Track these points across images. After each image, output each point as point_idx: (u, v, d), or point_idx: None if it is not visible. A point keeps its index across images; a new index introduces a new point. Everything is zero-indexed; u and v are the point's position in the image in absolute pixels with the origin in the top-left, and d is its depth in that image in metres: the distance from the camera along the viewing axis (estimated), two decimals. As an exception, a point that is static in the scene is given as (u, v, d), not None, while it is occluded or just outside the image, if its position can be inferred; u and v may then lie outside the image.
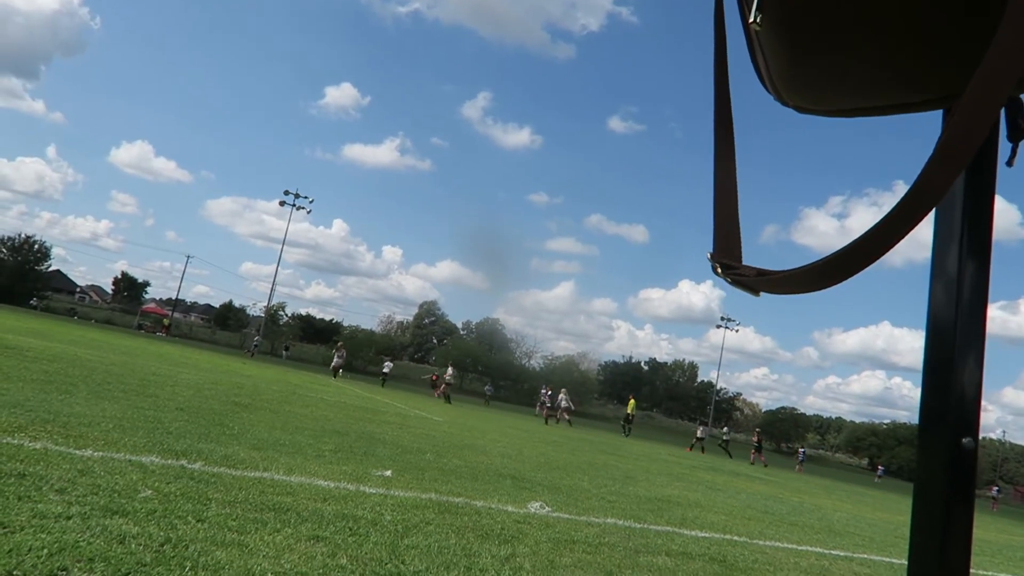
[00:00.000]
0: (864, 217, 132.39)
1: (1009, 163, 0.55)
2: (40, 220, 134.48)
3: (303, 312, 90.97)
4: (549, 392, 34.29)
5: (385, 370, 37.88)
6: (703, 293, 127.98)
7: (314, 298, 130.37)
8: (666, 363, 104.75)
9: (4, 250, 65.54)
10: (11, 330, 16.29)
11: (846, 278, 0.48)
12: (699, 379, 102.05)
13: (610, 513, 6.51)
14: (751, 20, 0.57)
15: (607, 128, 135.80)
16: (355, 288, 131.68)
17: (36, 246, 67.39)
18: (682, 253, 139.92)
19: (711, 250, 0.63)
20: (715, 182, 0.65)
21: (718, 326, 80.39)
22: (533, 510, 5.77)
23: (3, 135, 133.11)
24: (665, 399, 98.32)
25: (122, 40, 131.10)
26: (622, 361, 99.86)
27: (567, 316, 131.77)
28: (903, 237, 0.44)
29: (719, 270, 0.62)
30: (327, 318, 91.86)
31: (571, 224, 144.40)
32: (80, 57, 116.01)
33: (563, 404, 32.91)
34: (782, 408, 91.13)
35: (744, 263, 0.61)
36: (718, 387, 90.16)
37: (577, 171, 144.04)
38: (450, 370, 32.41)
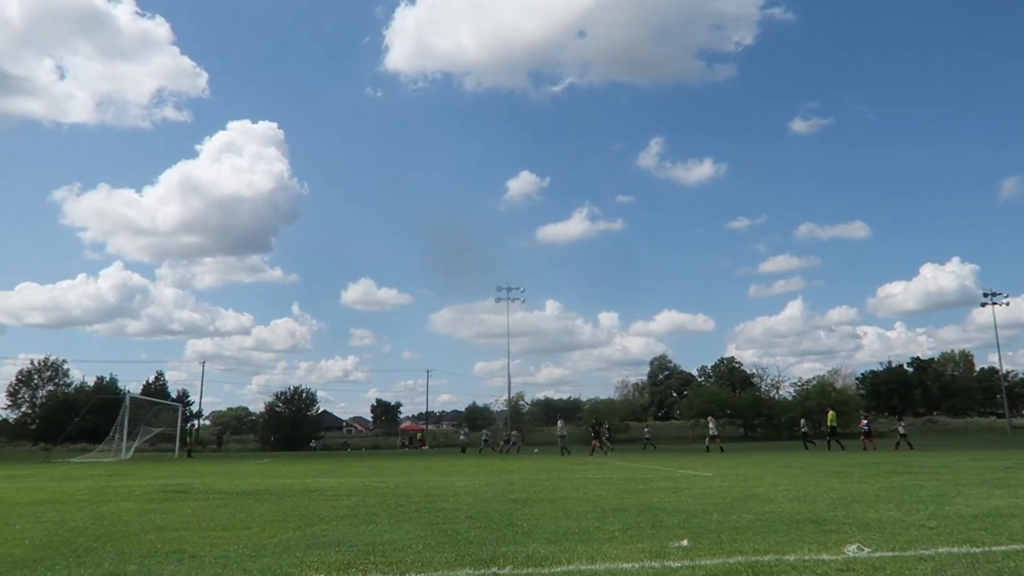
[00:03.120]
0: None
1: None
2: (299, 370, 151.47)
3: (541, 396, 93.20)
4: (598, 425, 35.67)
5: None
6: (951, 272, 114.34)
7: (546, 380, 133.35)
8: (932, 359, 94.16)
9: (280, 404, 74.15)
10: (307, 474, 18.23)
11: None
12: (978, 367, 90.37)
13: (938, 541, 5.85)
14: None
15: (791, 132, 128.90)
16: (582, 361, 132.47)
17: (304, 394, 75.55)
18: (914, 235, 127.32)
19: None
20: None
21: (982, 304, 71.22)
22: (852, 554, 5.33)
23: (258, 305, 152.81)
24: (944, 398, 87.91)
25: (326, 197, 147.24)
26: (881, 368, 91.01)
27: (804, 336, 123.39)
28: None
29: None
30: (564, 396, 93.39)
31: (780, 241, 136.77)
32: (299, 222, 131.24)
33: (561, 433, 34.91)
34: (1094, 376, 77.50)
35: None
36: (1004, 371, 79.19)
37: (771, 185, 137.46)
38: (560, 423, 35.36)
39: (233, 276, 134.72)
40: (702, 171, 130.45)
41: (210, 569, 5.18)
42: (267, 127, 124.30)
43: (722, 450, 33.02)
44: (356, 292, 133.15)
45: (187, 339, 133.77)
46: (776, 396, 77.20)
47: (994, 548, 5.49)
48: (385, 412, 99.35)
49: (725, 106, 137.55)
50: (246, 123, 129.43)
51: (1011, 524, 6.71)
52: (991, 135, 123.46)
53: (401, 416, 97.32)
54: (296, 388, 75.86)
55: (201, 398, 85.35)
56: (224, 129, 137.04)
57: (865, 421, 33.86)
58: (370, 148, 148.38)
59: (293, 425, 71.15)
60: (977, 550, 5.44)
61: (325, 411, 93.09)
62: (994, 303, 69.32)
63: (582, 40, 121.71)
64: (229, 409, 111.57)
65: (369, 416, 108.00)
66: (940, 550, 5.46)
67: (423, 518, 8.08)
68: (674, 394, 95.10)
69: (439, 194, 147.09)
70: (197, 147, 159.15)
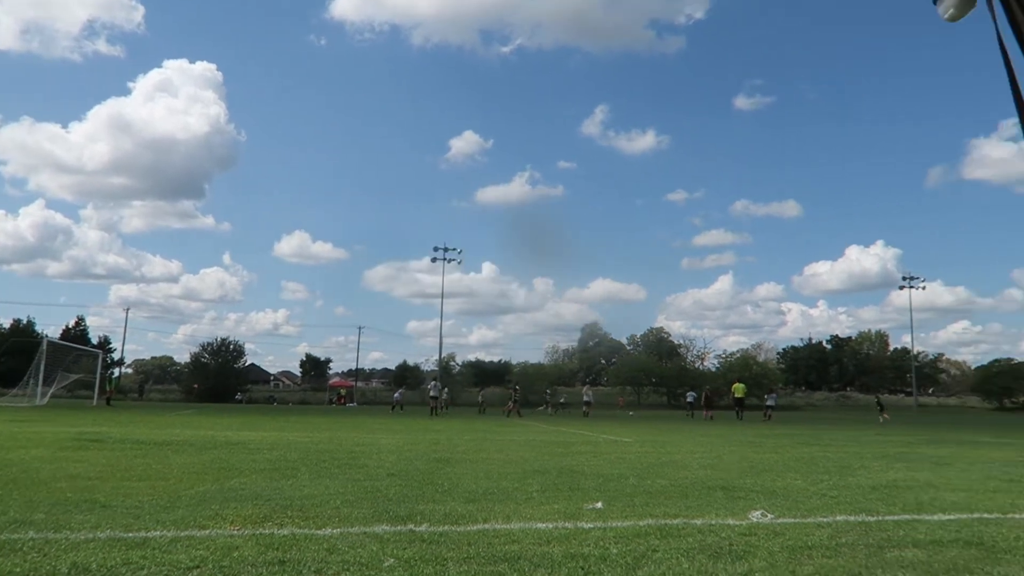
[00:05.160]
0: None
1: None
2: (228, 321, 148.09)
3: (472, 358, 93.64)
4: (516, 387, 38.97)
5: (562, 400, 41.69)
6: (875, 255, 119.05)
7: (479, 342, 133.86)
8: (850, 337, 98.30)
9: (207, 355, 72.48)
10: (230, 427, 17.95)
11: None
12: (892, 347, 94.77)
13: (837, 510, 6.18)
14: None
15: (734, 109, 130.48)
16: (515, 325, 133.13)
17: (231, 346, 73.98)
18: (842, 218, 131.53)
19: None
20: None
21: (901, 287, 74.88)
22: (755, 519, 5.58)
23: (188, 253, 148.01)
24: (857, 375, 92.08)
25: (263, 145, 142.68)
26: (802, 345, 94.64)
27: (731, 309, 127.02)
28: None
29: None
30: (495, 359, 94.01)
31: (716, 215, 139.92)
32: (234, 169, 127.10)
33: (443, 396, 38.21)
34: (995, 361, 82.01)
35: None
36: (915, 352, 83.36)
37: (711, 160, 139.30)
38: (433, 384, 37.70)
39: (162, 221, 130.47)
40: (645, 142, 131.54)
41: (121, 519, 5.08)
42: (205, 68, 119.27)
43: (587, 415, 35.26)
44: (290, 244, 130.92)
45: (111, 284, 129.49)
46: (701, 367, 79.49)
47: (887, 517, 5.83)
48: (314, 367, 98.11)
49: (672, 78, 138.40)
50: (183, 63, 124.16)
51: (905, 496, 7.12)
52: (921, 125, 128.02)
53: (331, 372, 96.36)
54: (224, 339, 74.31)
55: (123, 345, 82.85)
56: (159, 67, 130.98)
57: (691, 392, 41.56)
58: (311, 97, 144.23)
59: (219, 377, 69.81)
60: (871, 519, 5.76)
61: (253, 364, 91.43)
62: (911, 287, 72.98)
63: (535, 1, 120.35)
64: (153, 358, 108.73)
65: (298, 371, 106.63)
66: (838, 518, 5.77)
67: (344, 474, 8.08)
68: (603, 361, 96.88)
69: (380, 149, 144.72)
70: (130, 84, 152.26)
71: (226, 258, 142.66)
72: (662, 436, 17.74)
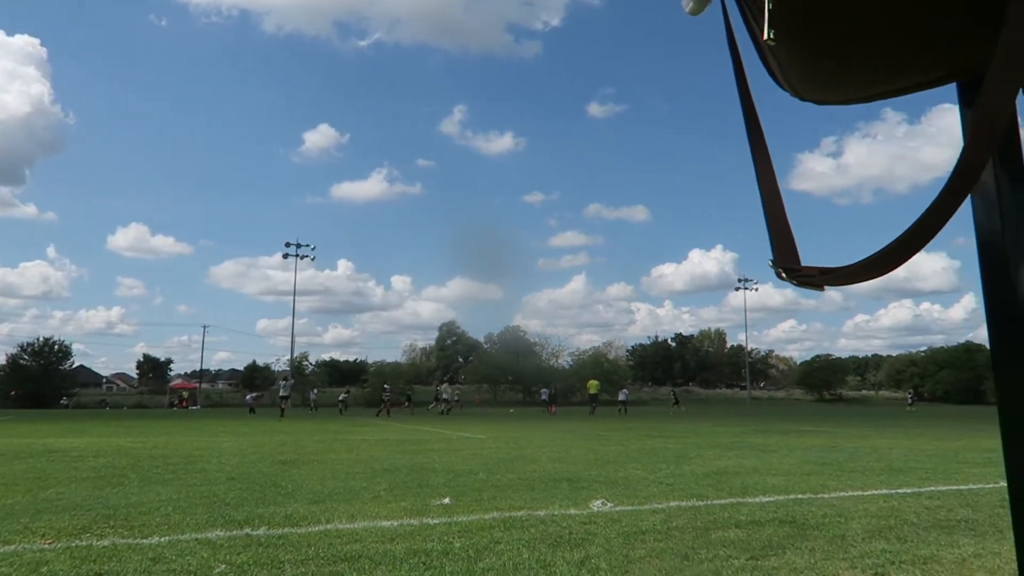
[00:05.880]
0: (859, 151, 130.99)
1: None
2: (53, 320, 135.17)
3: (327, 357, 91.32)
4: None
5: (456, 398, 40.74)
6: (715, 259, 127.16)
7: (334, 341, 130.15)
8: (692, 335, 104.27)
9: (26, 356, 65.98)
10: (51, 434, 16.46)
11: (900, 265, 0.51)
12: (729, 344, 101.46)
13: (671, 496, 6.51)
14: (765, 37, 0.59)
15: (587, 115, 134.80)
16: (372, 324, 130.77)
17: (56, 346, 67.82)
18: (686, 223, 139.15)
19: (771, 258, 0.66)
20: (760, 190, 0.68)
21: (736, 288, 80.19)
22: (596, 508, 5.78)
23: (4, 245, 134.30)
24: (698, 371, 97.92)
25: (98, 130, 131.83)
26: (649, 342, 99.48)
27: (585, 309, 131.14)
28: (949, 219, 0.46)
29: (783, 275, 0.65)
30: (351, 358, 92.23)
31: (571, 217, 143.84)
32: (62, 154, 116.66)
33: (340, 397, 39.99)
34: (816, 357, 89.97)
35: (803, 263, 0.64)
36: (748, 349, 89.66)
37: (566, 164, 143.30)
38: (282, 383, 36.42)
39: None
40: (502, 143, 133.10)
41: (-93, 538, 4.52)
42: (25, 42, 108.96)
43: (445, 413, 35.69)
44: (126, 237, 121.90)
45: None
46: (556, 364, 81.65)
47: (715, 501, 6.21)
48: (153, 369, 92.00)
49: (529, 82, 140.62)
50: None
51: (732, 481, 7.63)
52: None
53: (171, 373, 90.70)
54: (47, 339, 68.02)
55: (-76, 347, 73.72)
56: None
57: (544, 388, 45.85)
58: (151, 81, 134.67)
59: (41, 380, 63.81)
60: (701, 503, 6.12)
61: (82, 366, 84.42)
62: (746, 288, 78.23)
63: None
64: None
65: (134, 373, 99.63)
66: (671, 504, 6.09)
67: (179, 480, 7.62)
68: (460, 359, 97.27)
69: (229, 139, 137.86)
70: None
71: (51, 251, 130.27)
72: (516, 432, 18.05)
